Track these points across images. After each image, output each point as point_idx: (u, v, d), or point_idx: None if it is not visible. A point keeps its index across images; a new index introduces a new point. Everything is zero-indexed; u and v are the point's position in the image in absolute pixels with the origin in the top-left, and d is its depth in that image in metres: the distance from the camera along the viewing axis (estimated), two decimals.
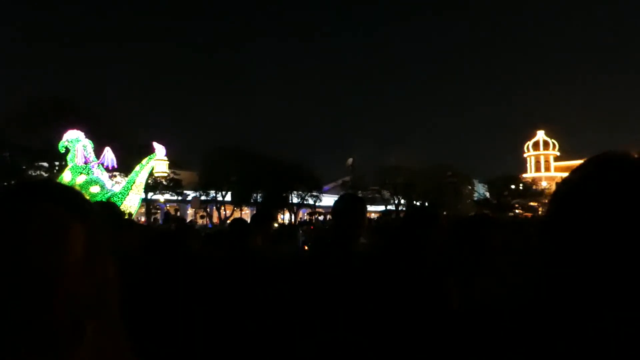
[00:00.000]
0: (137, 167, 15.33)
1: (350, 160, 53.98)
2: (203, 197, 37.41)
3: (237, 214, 38.26)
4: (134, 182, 14.97)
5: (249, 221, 5.45)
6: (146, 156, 16.10)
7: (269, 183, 37.82)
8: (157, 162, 16.33)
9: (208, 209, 37.10)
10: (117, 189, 15.67)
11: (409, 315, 1.86)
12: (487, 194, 53.28)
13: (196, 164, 40.85)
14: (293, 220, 36.49)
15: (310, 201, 43.62)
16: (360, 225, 2.89)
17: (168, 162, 18.27)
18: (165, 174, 22.92)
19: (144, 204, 34.98)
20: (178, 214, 23.93)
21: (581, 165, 0.80)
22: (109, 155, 15.53)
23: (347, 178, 52.21)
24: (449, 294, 1.30)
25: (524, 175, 64.36)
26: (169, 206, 37.63)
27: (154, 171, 17.22)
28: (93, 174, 14.88)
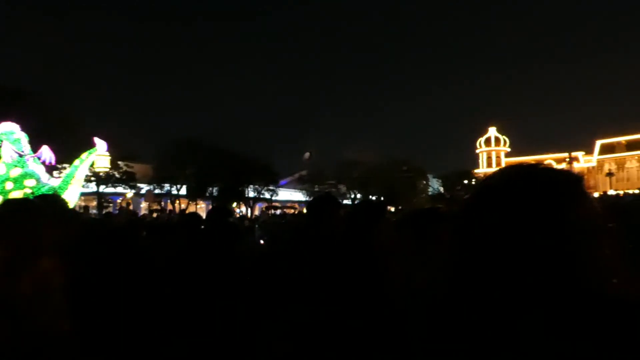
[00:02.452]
0: (77, 162, 15.05)
1: (307, 154, 54.19)
2: (157, 191, 36.60)
3: (192, 208, 37.67)
4: (73, 177, 14.70)
5: (203, 215, 5.39)
6: (91, 148, 15.76)
7: (225, 177, 37.39)
8: (98, 157, 16.22)
9: (162, 203, 36.36)
10: (54, 182, 15.23)
11: (357, 307, 1.88)
12: (441, 189, 54.58)
13: (150, 157, 39.95)
14: (250, 214, 36.22)
15: (267, 195, 43.40)
16: (337, 232, 2.82)
17: (110, 158, 18.09)
18: (107, 169, 22.55)
19: (95, 197, 33.94)
20: (130, 207, 23.42)
21: (495, 173, 0.87)
22: (46, 153, 15.07)
23: (304, 172, 52.26)
24: (392, 285, 1.32)
25: (476, 170, 66.22)
26: (121, 199, 36.71)
27: (95, 166, 17.08)
28: (28, 167, 14.38)
